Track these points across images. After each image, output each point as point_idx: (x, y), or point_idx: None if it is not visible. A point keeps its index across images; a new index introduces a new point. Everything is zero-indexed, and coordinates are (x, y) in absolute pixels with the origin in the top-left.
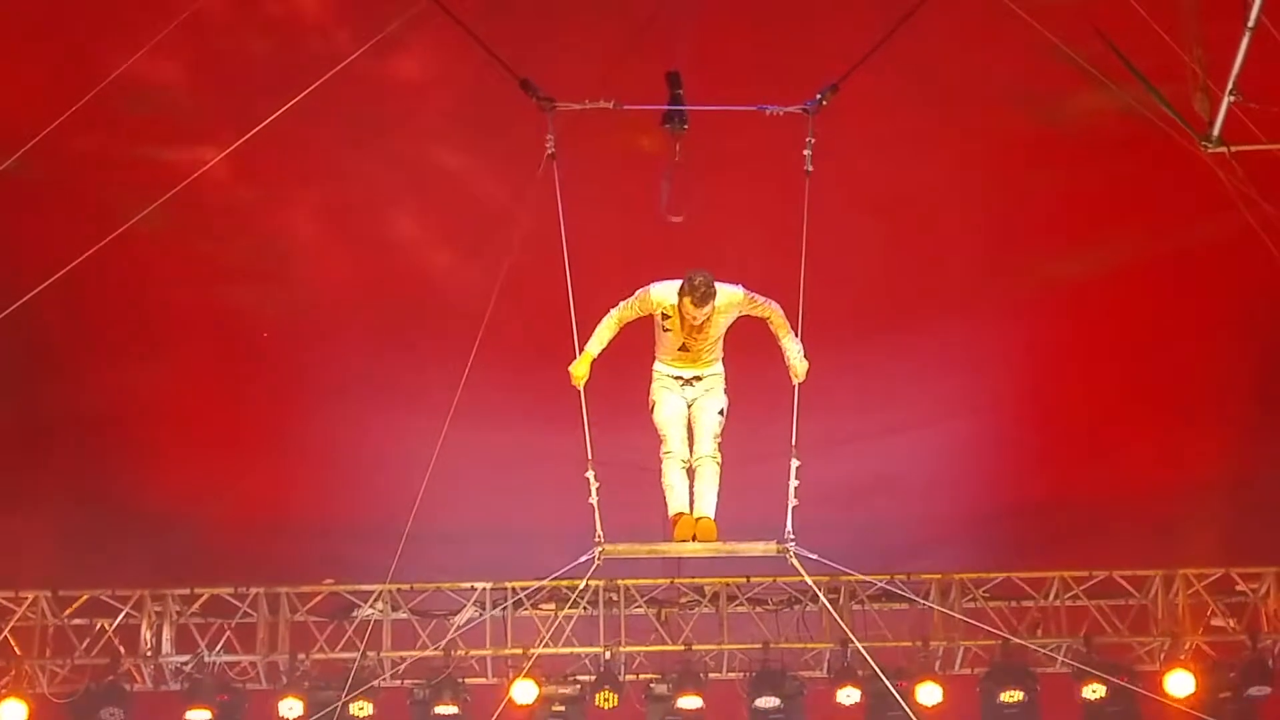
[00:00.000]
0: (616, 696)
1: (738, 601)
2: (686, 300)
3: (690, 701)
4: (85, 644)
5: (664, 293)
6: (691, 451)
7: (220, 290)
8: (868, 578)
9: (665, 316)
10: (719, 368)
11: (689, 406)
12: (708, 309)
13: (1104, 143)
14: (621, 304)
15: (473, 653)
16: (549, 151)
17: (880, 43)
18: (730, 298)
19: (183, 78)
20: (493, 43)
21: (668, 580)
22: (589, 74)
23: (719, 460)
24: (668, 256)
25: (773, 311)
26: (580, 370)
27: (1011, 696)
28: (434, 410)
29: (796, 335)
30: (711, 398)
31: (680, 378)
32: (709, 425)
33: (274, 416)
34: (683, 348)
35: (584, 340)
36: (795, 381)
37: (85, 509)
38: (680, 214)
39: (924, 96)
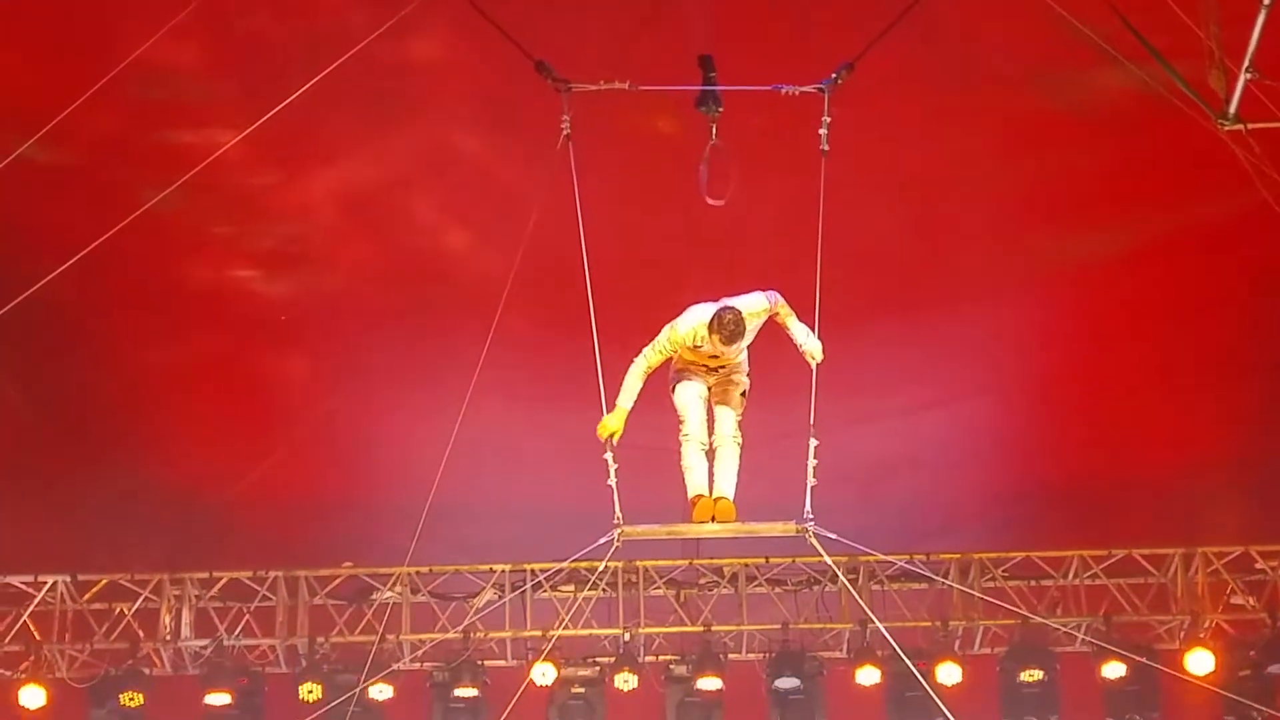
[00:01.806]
0: (636, 678)
1: (757, 582)
2: (715, 338)
3: (710, 682)
4: (104, 628)
5: (692, 326)
6: (711, 433)
7: (238, 272)
8: (887, 557)
9: (697, 347)
10: (743, 354)
11: (710, 388)
12: (736, 346)
13: (1120, 121)
14: (647, 350)
15: (492, 635)
16: (565, 133)
17: (896, 20)
18: (756, 314)
19: (199, 61)
20: (508, 24)
21: (686, 561)
22: (605, 55)
23: (739, 441)
24: (685, 237)
25: (780, 305)
26: (615, 424)
27: (1031, 676)
28: (452, 392)
29: (813, 319)
30: (733, 380)
31: (705, 366)
32: (731, 406)
33: (292, 399)
34: (713, 356)
35: (600, 321)
36: (812, 363)
37: (104, 493)
38: (721, 197)
39: (941, 75)
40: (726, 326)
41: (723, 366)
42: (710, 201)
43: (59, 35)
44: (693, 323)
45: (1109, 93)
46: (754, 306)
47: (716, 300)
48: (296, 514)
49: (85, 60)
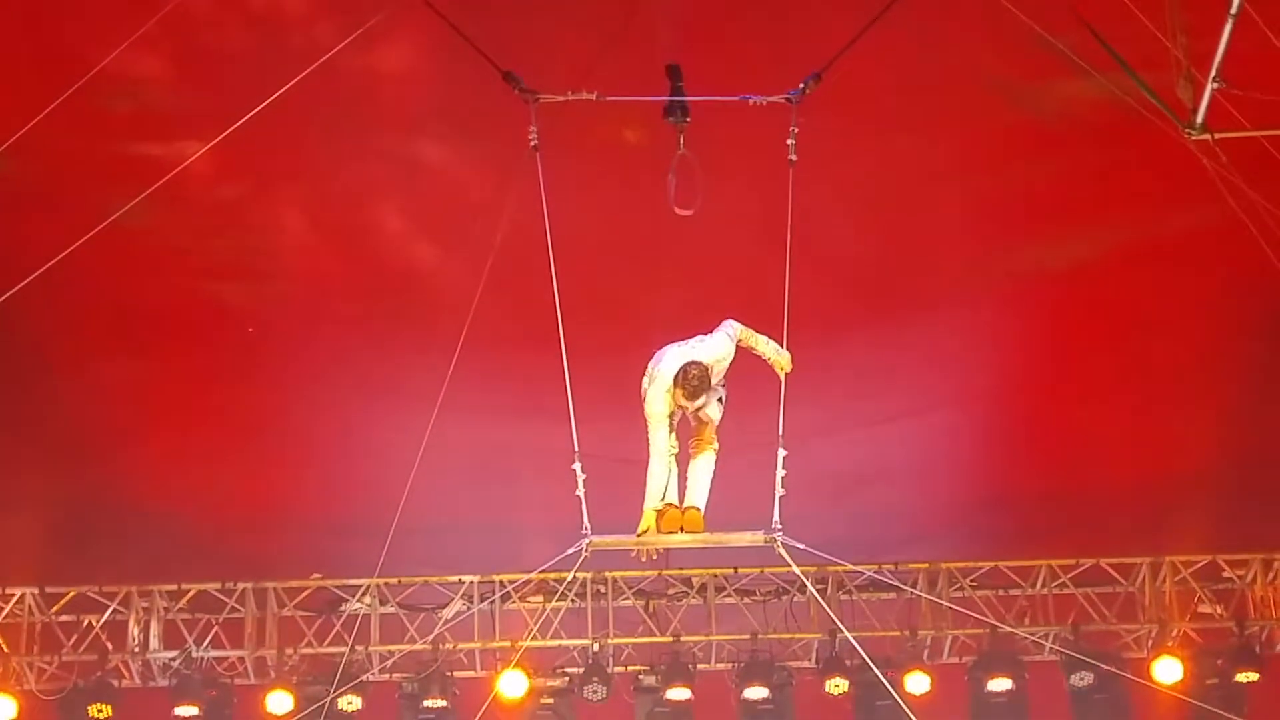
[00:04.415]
0: (605, 688)
1: (725, 592)
2: (680, 392)
3: (679, 693)
4: (73, 641)
5: (665, 389)
6: (690, 437)
7: (204, 285)
8: (855, 567)
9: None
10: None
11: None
12: (700, 401)
13: (1088, 131)
14: (651, 435)
15: (461, 646)
16: (533, 143)
17: (862, 31)
18: (722, 358)
19: (165, 72)
20: (476, 35)
21: (655, 572)
22: (573, 66)
23: (716, 448)
24: (654, 248)
25: (742, 334)
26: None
27: (1000, 685)
28: (420, 404)
29: (782, 328)
30: (711, 391)
31: None
32: (709, 413)
33: (260, 412)
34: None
35: (569, 332)
36: (781, 374)
37: (71, 505)
38: (690, 208)
39: (908, 86)
40: (691, 383)
41: None
42: (679, 211)
43: (22, 47)
44: (663, 386)
45: (1077, 103)
46: (719, 353)
47: (685, 339)
48: (265, 526)
49: (49, 72)
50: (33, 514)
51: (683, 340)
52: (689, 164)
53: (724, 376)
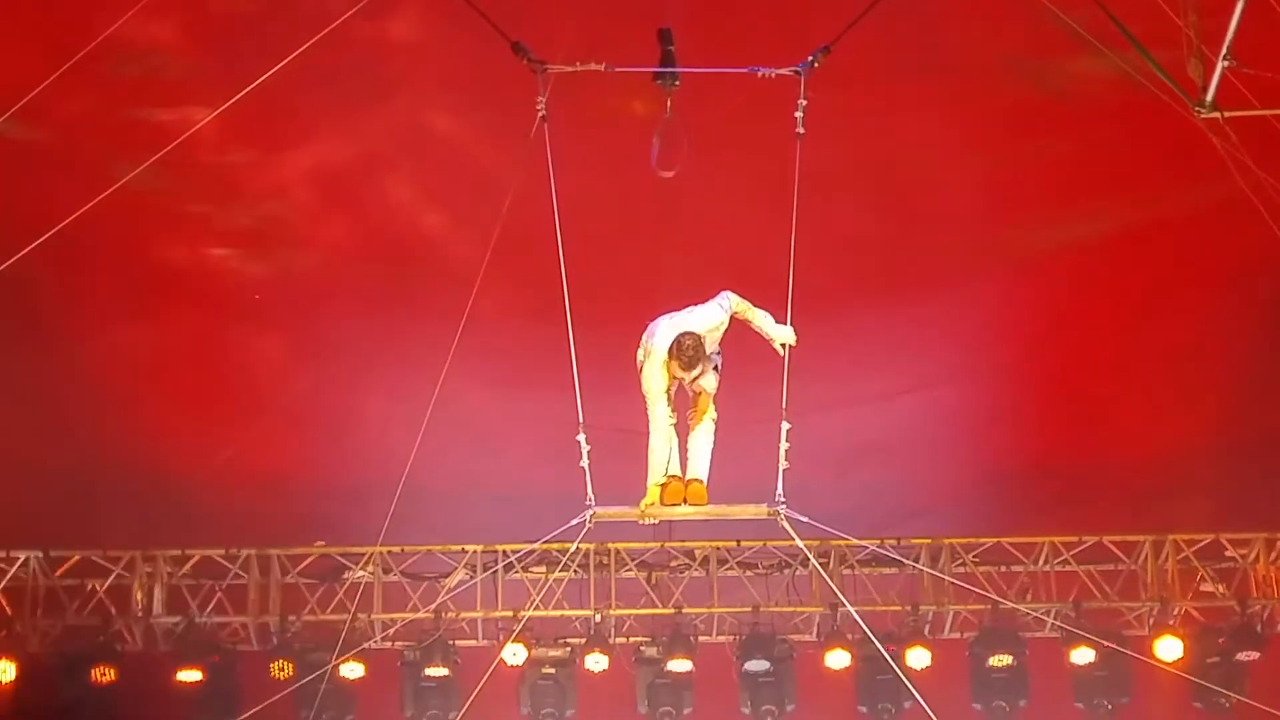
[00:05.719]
0: (607, 659)
1: (728, 565)
2: (675, 364)
3: (680, 664)
4: (76, 604)
5: (660, 359)
6: (689, 407)
7: (212, 251)
8: (858, 541)
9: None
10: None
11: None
12: (696, 371)
13: (1097, 108)
14: (651, 410)
15: (463, 615)
16: (541, 114)
17: (874, 3)
18: (715, 328)
19: (174, 38)
20: (485, 4)
21: (658, 544)
22: (581, 36)
23: (715, 417)
24: (661, 219)
25: (737, 305)
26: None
27: (1000, 660)
28: (426, 372)
29: (786, 302)
30: (706, 360)
31: None
32: (705, 383)
33: (266, 378)
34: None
35: (575, 305)
36: (783, 350)
37: (77, 469)
38: (672, 170)
39: (917, 61)
40: (686, 353)
41: None
42: (661, 174)
43: (33, 11)
44: (658, 359)
45: (1086, 80)
46: (711, 322)
47: (677, 310)
48: (269, 492)
49: (60, 36)
50: (37, 477)
51: (674, 311)
52: (675, 128)
53: (719, 345)
